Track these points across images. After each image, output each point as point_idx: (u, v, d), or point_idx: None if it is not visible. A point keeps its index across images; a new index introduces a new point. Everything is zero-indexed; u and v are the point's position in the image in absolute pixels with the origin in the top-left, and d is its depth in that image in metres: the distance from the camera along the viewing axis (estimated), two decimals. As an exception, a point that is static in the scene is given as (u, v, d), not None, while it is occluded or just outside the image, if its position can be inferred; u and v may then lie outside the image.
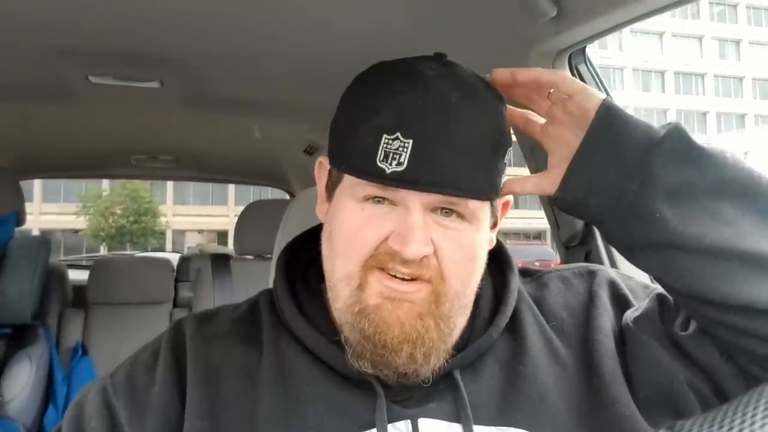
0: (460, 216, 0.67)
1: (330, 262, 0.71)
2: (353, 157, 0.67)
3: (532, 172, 1.47)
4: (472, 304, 0.74)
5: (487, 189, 0.68)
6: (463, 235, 0.67)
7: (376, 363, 0.67)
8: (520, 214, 41.81)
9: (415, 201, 0.65)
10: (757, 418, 0.45)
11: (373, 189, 0.66)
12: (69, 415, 0.73)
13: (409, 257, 0.64)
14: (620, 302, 0.78)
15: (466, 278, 0.69)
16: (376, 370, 0.67)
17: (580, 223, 1.37)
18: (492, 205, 0.71)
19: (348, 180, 0.69)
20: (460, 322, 0.72)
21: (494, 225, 0.74)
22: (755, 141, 43.58)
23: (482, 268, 0.72)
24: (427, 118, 0.64)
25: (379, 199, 0.67)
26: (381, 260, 0.66)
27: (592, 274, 0.80)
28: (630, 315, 0.75)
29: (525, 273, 0.83)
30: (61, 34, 1.42)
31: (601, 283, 0.79)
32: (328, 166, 0.74)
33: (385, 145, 0.64)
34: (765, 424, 0.44)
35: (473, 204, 0.67)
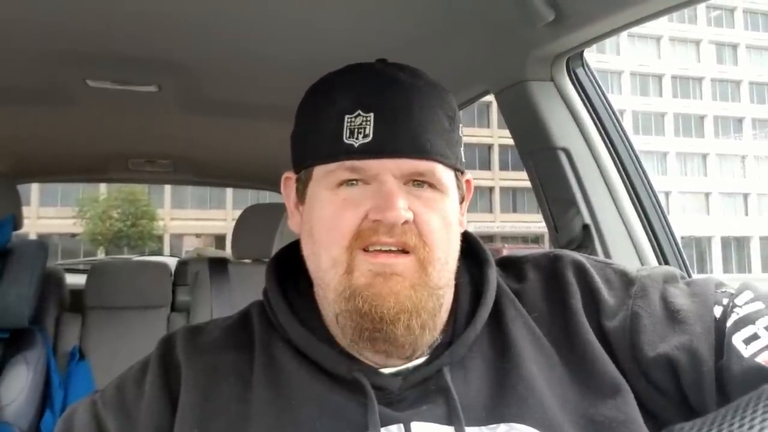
0: (431, 186, 0.69)
1: (315, 258, 0.71)
2: (320, 147, 0.70)
3: (529, 176, 1.47)
4: (454, 281, 0.74)
5: (450, 156, 0.70)
6: (437, 202, 0.69)
7: (375, 340, 0.68)
8: (518, 218, 41.86)
9: (387, 172, 0.67)
10: (756, 421, 0.45)
11: (344, 172, 0.68)
12: (59, 429, 0.73)
13: (391, 221, 0.65)
14: (587, 283, 0.77)
15: (446, 246, 0.70)
16: (376, 348, 0.68)
17: (578, 227, 1.37)
18: (457, 178, 0.73)
19: (318, 171, 0.71)
20: (446, 299, 0.72)
21: (461, 201, 0.76)
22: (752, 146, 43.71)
23: (458, 239, 0.73)
24: (383, 94, 0.68)
25: (352, 182, 0.68)
26: (365, 237, 0.67)
27: (558, 259, 0.80)
28: (604, 323, 0.74)
29: (503, 265, 0.82)
30: (58, 37, 1.42)
31: (567, 264, 0.79)
32: (294, 177, 0.76)
33: (348, 124, 0.67)
34: (764, 428, 0.44)
35: (441, 172, 0.69)
